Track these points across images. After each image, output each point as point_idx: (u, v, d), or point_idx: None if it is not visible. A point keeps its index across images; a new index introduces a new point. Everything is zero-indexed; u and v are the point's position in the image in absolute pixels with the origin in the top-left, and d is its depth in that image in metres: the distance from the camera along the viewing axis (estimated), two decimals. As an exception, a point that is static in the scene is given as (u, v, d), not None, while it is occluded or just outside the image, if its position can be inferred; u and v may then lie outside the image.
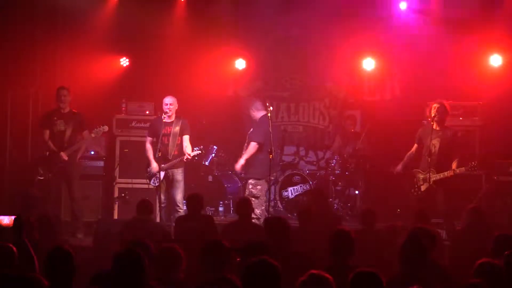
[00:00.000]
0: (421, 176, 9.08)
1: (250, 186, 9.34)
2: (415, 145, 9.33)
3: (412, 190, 9.17)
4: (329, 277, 4.20)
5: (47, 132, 9.77)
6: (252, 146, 9.31)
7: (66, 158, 9.62)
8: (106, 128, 9.86)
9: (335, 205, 11.01)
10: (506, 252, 5.02)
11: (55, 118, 9.76)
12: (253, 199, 8.94)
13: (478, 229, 7.29)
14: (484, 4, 10.87)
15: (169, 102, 9.46)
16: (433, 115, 9.01)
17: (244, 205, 7.88)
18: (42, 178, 9.66)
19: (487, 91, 10.62)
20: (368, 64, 11.69)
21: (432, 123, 9.06)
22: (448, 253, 7.42)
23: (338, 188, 11.18)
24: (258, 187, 9.31)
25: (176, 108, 9.51)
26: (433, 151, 8.92)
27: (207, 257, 5.06)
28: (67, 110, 9.83)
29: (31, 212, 7.86)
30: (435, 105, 9.06)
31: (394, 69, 11.88)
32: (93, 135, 9.77)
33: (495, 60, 11.05)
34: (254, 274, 4.08)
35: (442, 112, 9.04)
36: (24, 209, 7.85)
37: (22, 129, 10.81)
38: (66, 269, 4.61)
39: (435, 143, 8.97)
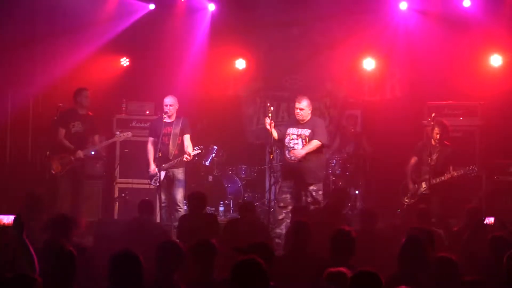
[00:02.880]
0: (415, 185, 9.40)
1: (314, 193, 8.76)
2: (415, 158, 9.55)
3: (407, 200, 9.43)
4: (346, 272, 4.28)
5: (63, 131, 9.75)
6: (315, 145, 8.77)
7: (82, 156, 9.68)
8: (130, 134, 9.98)
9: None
10: (506, 255, 5.02)
11: (73, 118, 9.79)
12: (315, 206, 8.63)
13: (477, 229, 7.30)
14: (484, 4, 10.87)
15: (169, 103, 9.45)
16: (438, 137, 9.25)
17: (247, 208, 7.95)
18: (54, 173, 9.64)
19: (487, 91, 10.61)
20: (368, 64, 11.70)
21: (432, 141, 9.31)
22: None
23: (338, 188, 11.18)
24: (320, 192, 8.89)
25: (177, 107, 9.51)
26: (431, 164, 9.12)
27: (195, 257, 5.09)
28: (84, 111, 9.87)
29: (37, 213, 7.87)
30: (437, 129, 9.27)
31: (394, 69, 11.88)
32: (115, 138, 9.97)
33: (495, 60, 11.05)
34: (241, 273, 4.11)
35: (445, 132, 9.32)
36: (29, 210, 7.82)
37: (22, 129, 10.82)
38: (68, 269, 4.61)
39: (434, 157, 9.18)
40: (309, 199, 8.74)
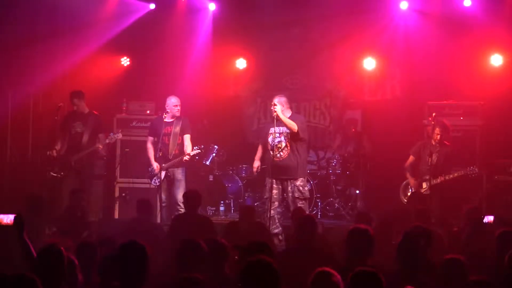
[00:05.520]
0: (415, 184, 9.47)
1: (301, 188, 8.75)
2: (412, 157, 9.61)
3: (406, 200, 9.53)
4: (335, 274, 4.22)
5: (61, 133, 9.74)
6: (292, 124, 8.66)
7: (73, 164, 9.62)
8: (120, 135, 9.89)
9: (336, 204, 11.01)
10: (508, 254, 5.02)
11: (73, 119, 9.77)
12: (303, 201, 8.70)
13: (477, 229, 7.30)
14: (484, 4, 10.86)
15: (178, 104, 9.52)
16: (438, 138, 9.31)
17: (247, 212, 7.97)
18: (55, 175, 9.63)
19: (488, 91, 10.60)
20: (369, 64, 11.69)
21: (432, 141, 9.36)
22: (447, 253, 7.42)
23: (339, 188, 11.18)
24: (306, 188, 8.92)
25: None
26: (431, 163, 9.15)
27: (208, 255, 5.09)
28: (86, 111, 9.84)
29: (38, 215, 7.86)
30: (437, 129, 9.31)
31: (395, 69, 11.87)
32: (107, 140, 9.77)
33: (496, 60, 11.05)
34: (253, 274, 4.08)
35: (445, 132, 9.38)
36: (30, 211, 7.81)
37: (22, 129, 10.82)
38: (57, 268, 4.61)
39: (434, 157, 9.22)
40: (296, 194, 8.74)
